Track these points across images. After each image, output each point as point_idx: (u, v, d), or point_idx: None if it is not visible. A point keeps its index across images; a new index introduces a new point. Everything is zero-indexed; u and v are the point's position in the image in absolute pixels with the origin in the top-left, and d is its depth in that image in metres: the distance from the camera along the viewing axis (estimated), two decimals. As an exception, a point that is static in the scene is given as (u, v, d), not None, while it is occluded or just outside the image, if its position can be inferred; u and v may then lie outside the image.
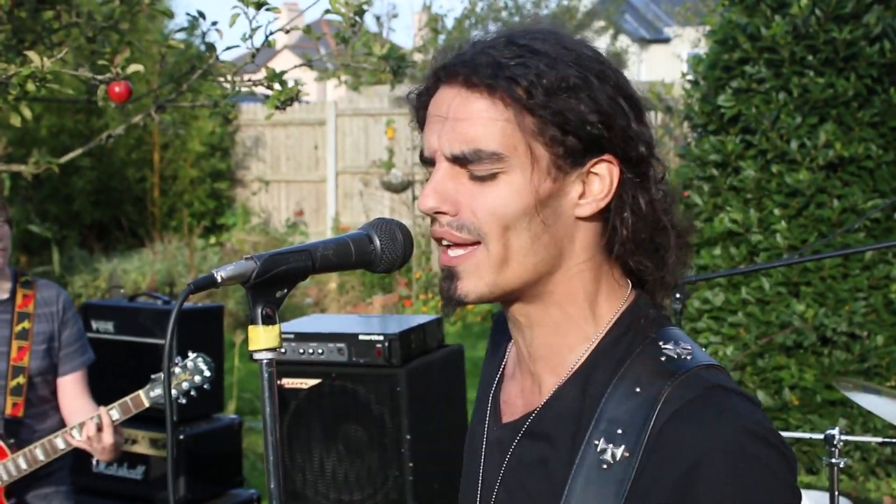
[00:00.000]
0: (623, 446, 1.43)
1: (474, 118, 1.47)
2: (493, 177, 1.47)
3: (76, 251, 13.31)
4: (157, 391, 3.83)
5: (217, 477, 4.96)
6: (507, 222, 1.47)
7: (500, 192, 1.47)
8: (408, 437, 4.25)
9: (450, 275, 1.52)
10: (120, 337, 5.01)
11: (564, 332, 1.55)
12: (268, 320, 1.42)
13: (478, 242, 1.49)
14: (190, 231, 14.47)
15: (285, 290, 1.44)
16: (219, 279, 1.39)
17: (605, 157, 1.48)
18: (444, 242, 1.52)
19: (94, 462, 4.02)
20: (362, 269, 1.52)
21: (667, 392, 1.44)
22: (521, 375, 1.64)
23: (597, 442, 1.45)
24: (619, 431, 1.44)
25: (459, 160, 1.48)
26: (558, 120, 1.46)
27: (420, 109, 1.59)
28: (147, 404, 3.85)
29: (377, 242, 1.50)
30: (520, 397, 1.64)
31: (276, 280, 1.42)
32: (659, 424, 1.43)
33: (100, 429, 3.76)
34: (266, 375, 1.41)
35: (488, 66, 1.48)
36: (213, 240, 14.63)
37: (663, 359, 1.49)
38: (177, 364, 3.88)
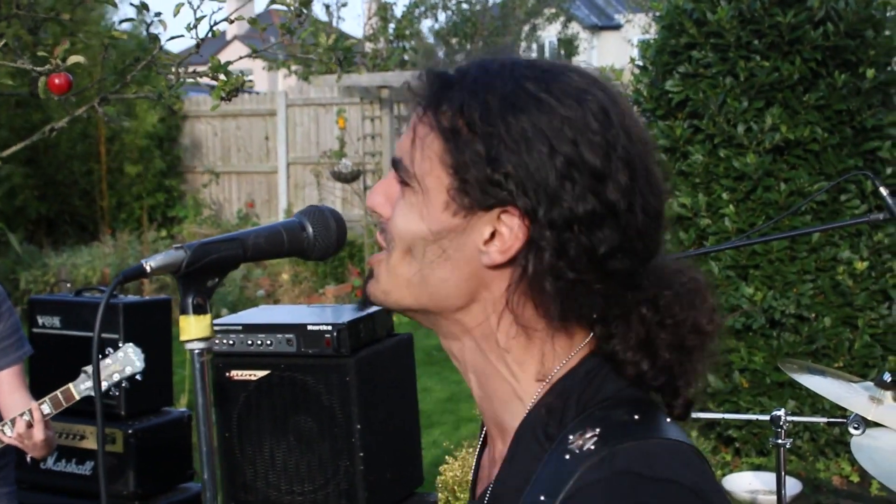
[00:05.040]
0: None
1: (410, 129, 1.43)
2: (408, 190, 1.42)
3: (24, 246, 13.17)
4: (88, 384, 3.77)
5: (167, 471, 4.92)
6: (408, 241, 1.42)
7: (407, 208, 1.42)
8: (358, 426, 4.24)
9: (369, 273, 1.49)
10: (66, 332, 4.95)
11: (494, 384, 1.45)
12: (199, 310, 1.41)
13: (386, 250, 1.46)
14: (140, 224, 14.37)
15: (216, 280, 1.43)
16: (148, 269, 1.37)
17: (509, 209, 1.36)
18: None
19: (28, 458, 3.93)
20: (296, 258, 1.51)
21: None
22: (491, 437, 1.55)
23: None
24: None
25: (393, 164, 1.45)
26: (460, 153, 1.37)
27: None
28: (77, 397, 3.78)
29: (310, 230, 1.49)
30: (489, 464, 1.55)
31: (207, 269, 1.41)
32: None
33: (30, 425, 3.67)
34: (198, 366, 1.41)
35: (431, 81, 1.43)
36: (164, 233, 14.53)
37: (567, 457, 1.32)
38: (107, 355, 3.83)
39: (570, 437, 1.33)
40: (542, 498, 1.30)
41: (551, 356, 1.42)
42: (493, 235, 1.38)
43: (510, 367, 1.43)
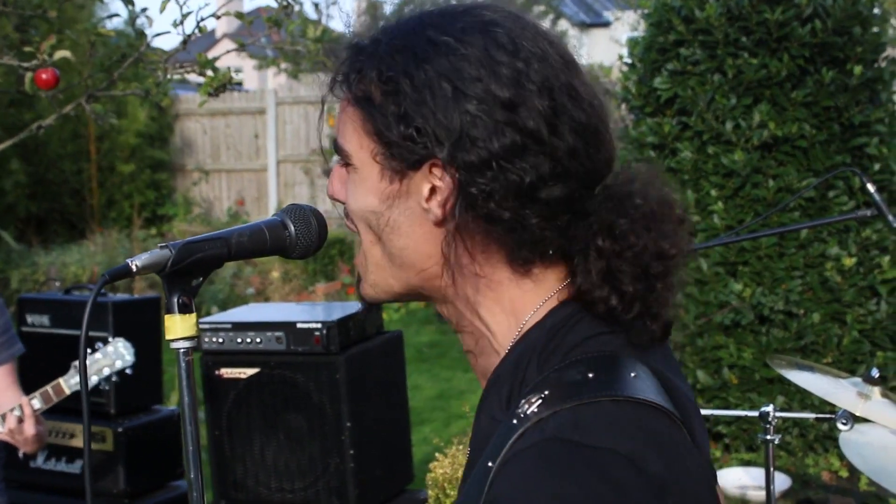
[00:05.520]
0: None
1: (340, 110, 1.44)
2: (351, 169, 1.42)
3: (14, 245, 13.14)
4: (78, 378, 3.77)
5: (157, 469, 4.92)
6: (365, 220, 1.42)
7: (354, 187, 1.42)
8: (348, 424, 4.24)
9: (357, 276, 1.49)
10: (55, 330, 4.95)
11: (479, 340, 1.44)
12: (184, 309, 1.41)
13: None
14: (130, 222, 14.34)
15: (201, 279, 1.43)
16: (134, 268, 1.38)
17: (434, 160, 1.34)
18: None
19: (20, 454, 3.93)
20: (278, 256, 1.51)
21: (490, 478, 1.23)
22: None
23: None
24: None
25: (334, 148, 1.45)
26: (376, 119, 1.36)
27: None
28: (68, 392, 3.78)
29: (291, 228, 1.49)
30: None
31: (192, 268, 1.42)
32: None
33: (21, 420, 3.68)
34: (183, 364, 1.41)
35: (345, 57, 1.42)
36: (153, 231, 14.51)
37: (514, 421, 1.26)
38: (97, 350, 3.83)
39: (522, 400, 1.28)
40: (490, 464, 1.25)
41: (521, 305, 1.40)
42: (432, 191, 1.36)
43: (484, 321, 1.41)
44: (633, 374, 1.29)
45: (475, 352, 1.45)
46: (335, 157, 1.46)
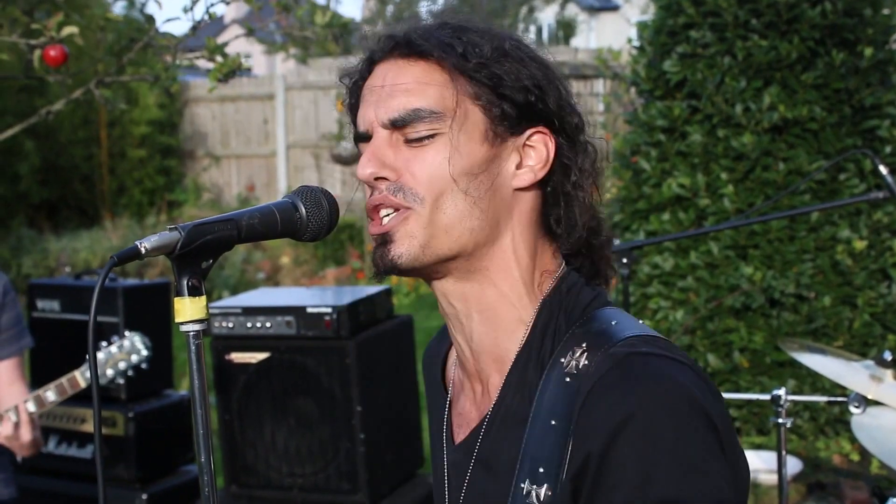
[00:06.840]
0: (546, 485, 1.41)
1: (410, 82, 1.47)
2: (430, 138, 1.47)
3: (25, 231, 13.15)
4: None
5: (168, 454, 4.93)
6: (444, 185, 1.47)
7: (438, 154, 1.47)
8: (358, 408, 4.24)
9: (383, 241, 1.51)
10: (65, 316, 4.95)
11: (502, 315, 1.53)
12: (194, 291, 1.39)
13: (411, 207, 1.49)
14: (141, 208, 14.35)
15: (211, 261, 1.41)
16: (143, 250, 1.35)
17: (541, 128, 1.50)
18: (382, 213, 1.51)
19: (18, 458, 3.83)
20: (289, 239, 1.49)
21: (575, 421, 1.39)
22: (470, 382, 1.63)
23: (523, 485, 1.43)
24: (541, 471, 1.42)
25: (396, 123, 1.48)
26: (494, 83, 1.46)
27: (354, 94, 1.57)
28: (83, 384, 3.72)
29: (302, 210, 1.47)
30: (473, 406, 1.63)
31: (202, 250, 1.39)
32: (575, 453, 1.38)
33: (17, 426, 3.59)
34: (193, 348, 1.39)
35: (423, 36, 1.48)
36: (164, 217, 14.52)
37: (568, 379, 1.43)
38: (113, 343, 3.79)
39: (562, 360, 1.45)
40: (554, 423, 1.41)
41: (542, 275, 1.55)
42: (526, 156, 1.52)
43: (517, 291, 1.53)
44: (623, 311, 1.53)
45: (495, 327, 1.54)
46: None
